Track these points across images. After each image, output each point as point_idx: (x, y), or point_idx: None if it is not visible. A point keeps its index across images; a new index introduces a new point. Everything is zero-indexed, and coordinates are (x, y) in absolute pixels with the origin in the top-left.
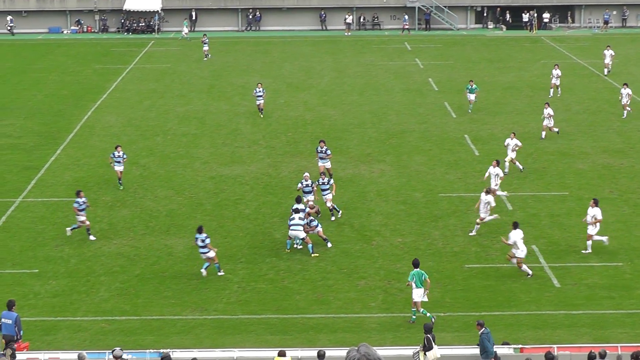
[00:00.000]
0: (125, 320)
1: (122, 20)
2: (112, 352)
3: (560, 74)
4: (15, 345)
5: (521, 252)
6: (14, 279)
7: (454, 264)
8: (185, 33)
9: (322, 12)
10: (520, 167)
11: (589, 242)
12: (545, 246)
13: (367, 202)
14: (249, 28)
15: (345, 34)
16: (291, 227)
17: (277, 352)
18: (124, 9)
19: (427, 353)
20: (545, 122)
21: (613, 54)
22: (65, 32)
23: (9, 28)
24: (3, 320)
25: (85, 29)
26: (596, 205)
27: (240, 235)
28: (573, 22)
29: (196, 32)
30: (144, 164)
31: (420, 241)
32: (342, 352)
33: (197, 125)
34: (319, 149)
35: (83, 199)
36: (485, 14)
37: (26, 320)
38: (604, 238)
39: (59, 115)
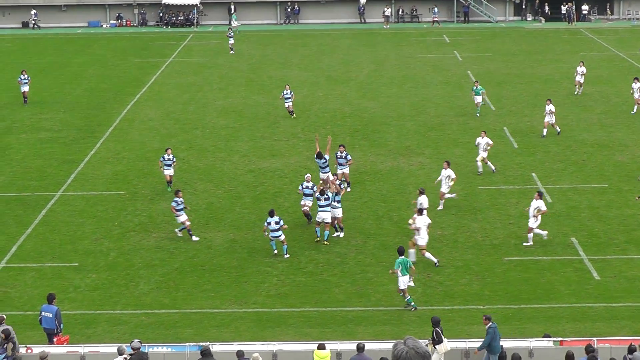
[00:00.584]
0: (165, 313)
1: (161, 14)
2: (131, 343)
3: (585, 71)
4: (59, 340)
5: (422, 239)
6: (54, 273)
7: (493, 256)
8: (235, 25)
9: (361, 5)
10: (493, 167)
11: (530, 235)
12: (585, 238)
13: (406, 194)
14: (287, 21)
15: (384, 26)
16: (319, 210)
17: (317, 345)
18: (162, 2)
19: (436, 346)
20: (547, 119)
21: None
22: (104, 26)
23: (32, 22)
24: (43, 313)
25: (124, 23)
26: (540, 198)
27: None
28: (612, 13)
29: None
30: (183, 158)
31: (459, 234)
32: (381, 345)
33: (235, 118)
34: (339, 154)
35: (181, 199)
36: (524, 6)
37: (66, 314)
38: (544, 232)
39: (98, 108)
